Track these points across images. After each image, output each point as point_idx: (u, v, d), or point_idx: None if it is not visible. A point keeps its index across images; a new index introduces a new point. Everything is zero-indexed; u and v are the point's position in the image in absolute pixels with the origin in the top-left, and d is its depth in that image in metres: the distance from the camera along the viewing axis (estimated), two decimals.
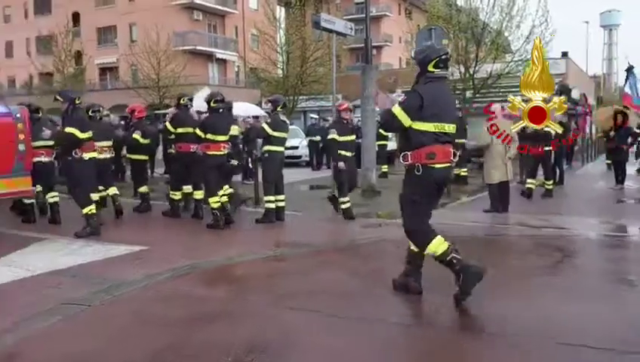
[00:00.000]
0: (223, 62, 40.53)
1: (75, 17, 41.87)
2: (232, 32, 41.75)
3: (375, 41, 31.83)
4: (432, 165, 4.17)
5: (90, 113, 8.91)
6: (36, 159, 8.07)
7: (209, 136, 7.90)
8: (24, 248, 6.59)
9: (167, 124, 8.92)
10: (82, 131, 7.34)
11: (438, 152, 4.16)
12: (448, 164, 4.28)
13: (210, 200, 7.91)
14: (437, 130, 4.17)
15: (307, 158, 19.21)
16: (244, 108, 15.55)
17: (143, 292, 4.82)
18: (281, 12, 31.92)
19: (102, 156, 8.71)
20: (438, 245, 4.21)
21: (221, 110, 8.15)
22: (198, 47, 37.78)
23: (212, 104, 8.01)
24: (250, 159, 13.46)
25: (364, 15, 12.53)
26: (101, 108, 9.50)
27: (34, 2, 44.14)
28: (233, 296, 4.63)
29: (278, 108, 8.47)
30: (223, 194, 8.19)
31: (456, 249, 4.25)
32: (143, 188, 9.57)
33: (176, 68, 30.67)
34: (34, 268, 5.69)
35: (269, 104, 8.88)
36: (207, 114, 8.13)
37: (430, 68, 4.24)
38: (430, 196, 4.34)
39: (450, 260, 4.17)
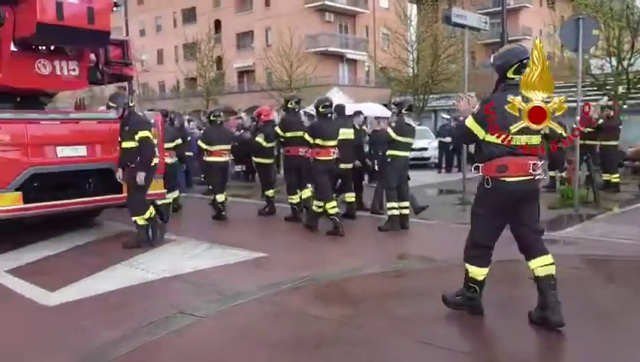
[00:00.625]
0: (353, 62, 40.73)
1: (217, 24, 44.59)
2: (363, 32, 41.76)
3: (512, 34, 30.00)
4: (503, 178, 3.82)
5: (211, 118, 9.28)
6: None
7: (318, 141, 7.78)
8: (152, 249, 6.83)
9: (277, 128, 8.93)
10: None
11: (510, 164, 3.80)
12: (527, 178, 3.82)
13: (327, 206, 7.72)
14: (512, 143, 3.78)
15: (436, 160, 18.44)
16: (371, 109, 15.24)
17: (255, 306, 4.68)
18: (412, 9, 31.19)
19: (222, 159, 9.16)
20: (479, 272, 4.08)
21: (329, 115, 8.00)
22: (330, 49, 38.31)
23: (320, 109, 7.89)
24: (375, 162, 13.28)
25: (500, 8, 11.65)
26: (221, 113, 9.74)
27: (182, 12, 47.65)
28: (345, 318, 4.30)
29: (403, 111, 8.03)
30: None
31: (482, 287, 4.15)
32: (269, 192, 9.64)
33: (307, 70, 31.27)
34: (157, 271, 5.83)
35: (395, 107, 8.48)
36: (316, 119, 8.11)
37: (510, 74, 3.88)
38: (499, 212, 3.96)
39: (470, 287, 4.13)
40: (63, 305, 4.81)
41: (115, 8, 7.30)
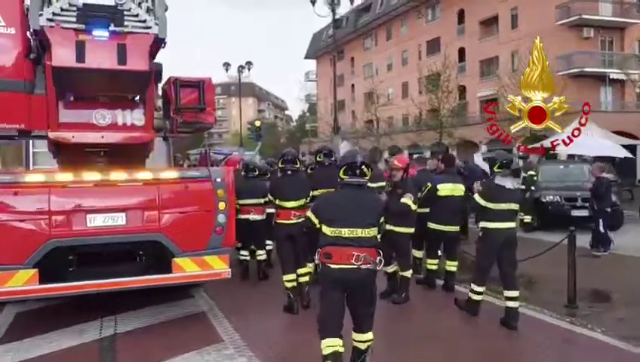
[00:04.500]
0: (619, 83, 33.69)
1: (461, 53, 42.15)
2: (634, 47, 34.40)
3: None
4: (329, 264, 4.22)
5: (318, 158, 7.20)
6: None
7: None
8: (184, 354, 5.02)
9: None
10: None
11: (334, 253, 4.21)
12: (350, 266, 4.17)
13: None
14: (334, 235, 4.25)
15: None
16: (595, 146, 11.36)
17: None
18: None
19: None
20: (324, 344, 4.20)
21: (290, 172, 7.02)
22: (586, 69, 32.32)
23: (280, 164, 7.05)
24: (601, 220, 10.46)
25: None
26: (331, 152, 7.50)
27: (426, 44, 46.50)
28: None
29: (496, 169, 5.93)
30: None
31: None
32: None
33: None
34: None
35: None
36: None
37: (341, 175, 4.41)
38: (329, 294, 4.29)
39: None
40: None
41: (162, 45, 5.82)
